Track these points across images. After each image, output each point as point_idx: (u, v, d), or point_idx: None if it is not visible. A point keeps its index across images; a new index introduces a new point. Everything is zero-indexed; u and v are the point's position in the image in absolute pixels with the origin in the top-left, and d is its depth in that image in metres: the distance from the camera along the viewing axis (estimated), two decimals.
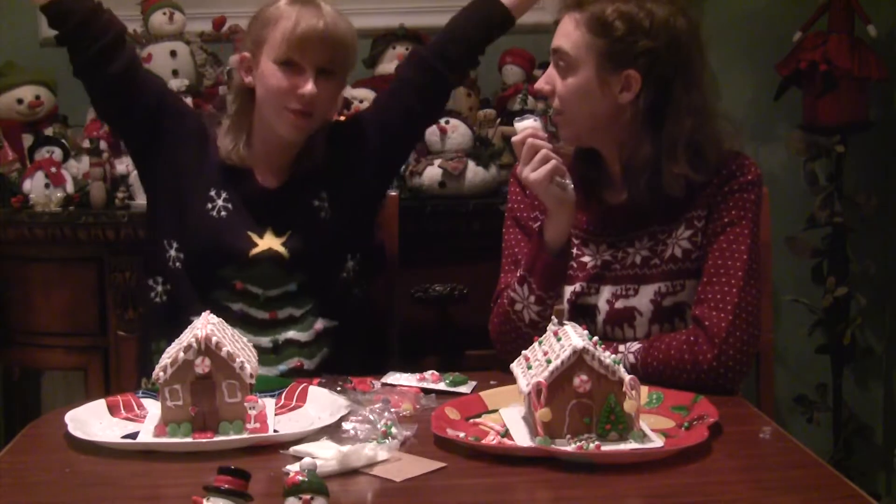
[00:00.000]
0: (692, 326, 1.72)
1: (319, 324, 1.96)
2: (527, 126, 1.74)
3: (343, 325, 1.99)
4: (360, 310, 2.06)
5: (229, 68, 2.69)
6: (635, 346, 1.73)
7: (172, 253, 1.98)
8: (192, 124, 2.04)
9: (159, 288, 2.01)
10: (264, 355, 1.90)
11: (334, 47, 1.91)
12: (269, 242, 1.96)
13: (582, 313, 1.80)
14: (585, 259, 1.82)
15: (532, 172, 1.71)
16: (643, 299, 1.77)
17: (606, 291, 1.80)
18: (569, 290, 1.82)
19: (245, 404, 1.47)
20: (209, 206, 1.97)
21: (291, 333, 1.95)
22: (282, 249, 1.95)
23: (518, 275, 1.78)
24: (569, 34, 1.75)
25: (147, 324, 2.09)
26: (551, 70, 1.79)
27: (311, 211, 2.00)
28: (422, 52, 2.14)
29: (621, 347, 1.73)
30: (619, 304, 1.78)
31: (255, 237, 1.96)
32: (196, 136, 2.03)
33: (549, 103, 1.84)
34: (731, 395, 1.68)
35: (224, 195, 1.97)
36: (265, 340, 1.93)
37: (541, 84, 1.80)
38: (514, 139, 1.75)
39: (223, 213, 1.97)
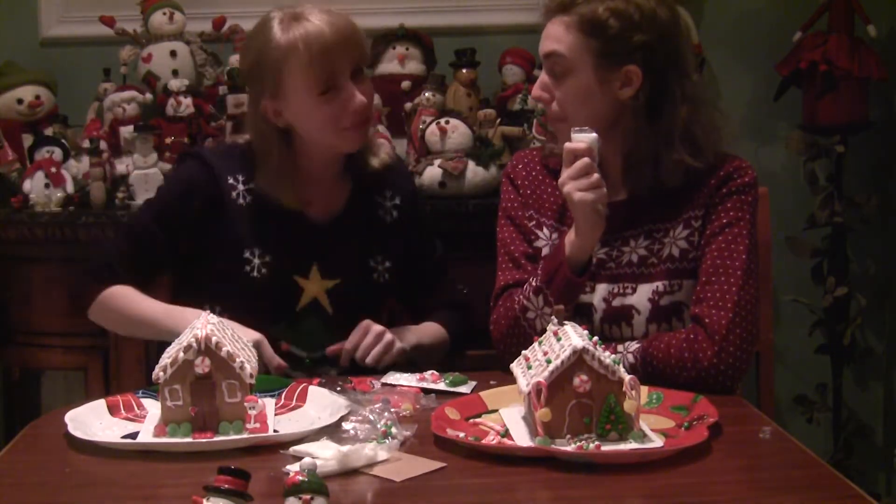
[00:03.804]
0: (691, 325, 1.72)
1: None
2: (586, 139, 1.70)
3: None
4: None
5: (229, 68, 2.69)
6: (634, 345, 1.73)
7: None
8: (199, 200, 1.91)
9: None
10: None
11: (351, 46, 1.84)
12: (314, 286, 1.92)
13: (577, 311, 1.79)
14: None
15: (579, 192, 1.69)
16: (641, 298, 1.77)
17: (602, 290, 1.79)
18: None
19: (245, 404, 1.47)
20: (247, 268, 1.89)
21: None
22: (326, 302, 1.92)
23: (533, 285, 1.77)
24: (560, 38, 1.75)
25: None
26: (544, 77, 1.79)
27: (366, 269, 1.96)
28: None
29: (620, 347, 1.73)
30: (616, 303, 1.78)
31: (300, 280, 1.91)
32: (210, 206, 1.90)
33: (546, 110, 1.82)
34: (731, 395, 1.68)
35: (258, 251, 1.89)
36: None
37: (537, 92, 1.80)
38: (568, 146, 1.71)
39: (264, 271, 1.89)
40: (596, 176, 1.69)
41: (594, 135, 1.71)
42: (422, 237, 2.07)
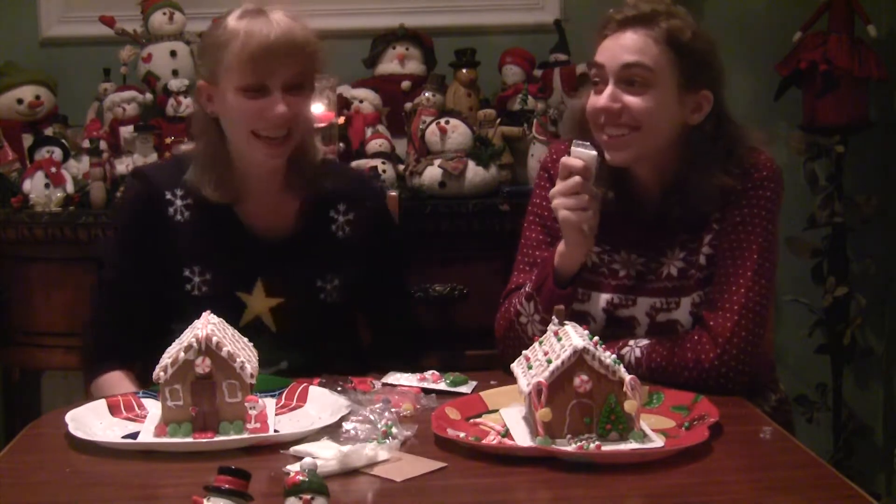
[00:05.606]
0: (697, 326, 1.71)
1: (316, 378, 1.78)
2: (584, 155, 1.68)
3: None
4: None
5: None
6: (643, 341, 1.73)
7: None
8: (144, 216, 1.87)
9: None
10: None
11: (294, 58, 1.75)
12: (258, 304, 1.86)
13: (618, 324, 1.78)
14: (616, 266, 1.80)
15: (565, 210, 1.68)
16: (684, 312, 1.75)
17: (644, 304, 1.78)
18: (603, 299, 1.80)
19: (245, 404, 1.47)
20: (187, 287, 1.85)
21: None
22: (269, 321, 1.87)
23: (525, 291, 1.77)
24: (645, 49, 1.68)
25: None
26: (613, 88, 1.69)
27: (312, 289, 1.89)
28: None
29: (631, 342, 1.73)
30: (660, 318, 1.76)
31: (243, 296, 1.86)
32: (154, 222, 1.86)
33: (606, 123, 1.71)
34: (760, 389, 1.67)
35: (198, 268, 1.85)
36: None
37: (607, 103, 1.69)
38: (565, 161, 1.69)
39: (204, 289, 1.85)
40: (585, 197, 1.67)
41: (594, 153, 1.68)
42: (383, 256, 1.97)
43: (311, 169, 1.90)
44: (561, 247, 1.73)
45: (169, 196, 1.87)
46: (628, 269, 1.79)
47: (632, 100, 1.69)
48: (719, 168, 1.72)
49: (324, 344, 1.91)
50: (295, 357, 1.87)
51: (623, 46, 1.70)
